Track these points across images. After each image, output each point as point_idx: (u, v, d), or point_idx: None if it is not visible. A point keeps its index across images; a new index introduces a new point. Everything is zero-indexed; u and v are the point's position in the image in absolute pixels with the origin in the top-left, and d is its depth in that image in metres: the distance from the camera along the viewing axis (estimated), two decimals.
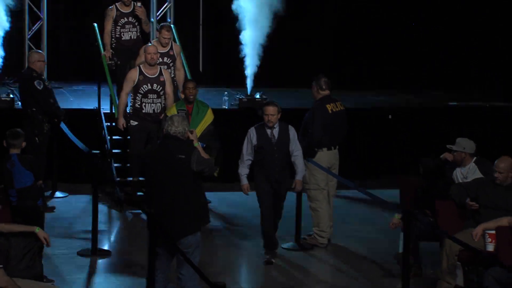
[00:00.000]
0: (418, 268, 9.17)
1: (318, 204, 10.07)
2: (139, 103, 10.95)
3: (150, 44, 11.39)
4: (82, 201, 11.42)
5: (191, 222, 7.58)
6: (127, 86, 10.97)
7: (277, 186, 9.45)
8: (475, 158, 9.24)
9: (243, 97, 12.84)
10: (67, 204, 11.44)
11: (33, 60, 11.03)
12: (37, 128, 10.86)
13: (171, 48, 11.49)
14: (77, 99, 13.36)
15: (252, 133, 9.47)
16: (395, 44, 15.69)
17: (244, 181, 9.46)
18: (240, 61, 13.14)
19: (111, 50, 11.97)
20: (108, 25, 11.85)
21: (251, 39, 12.83)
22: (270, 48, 13.21)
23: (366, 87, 15.04)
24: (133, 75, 10.92)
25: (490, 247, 8.41)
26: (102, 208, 10.90)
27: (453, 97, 14.14)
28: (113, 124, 11.75)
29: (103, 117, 12.07)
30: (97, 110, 12.18)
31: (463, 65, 15.42)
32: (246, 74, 13.12)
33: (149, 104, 10.93)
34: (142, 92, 10.91)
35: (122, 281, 8.81)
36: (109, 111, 12.11)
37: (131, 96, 11.03)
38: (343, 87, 13.33)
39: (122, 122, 11.02)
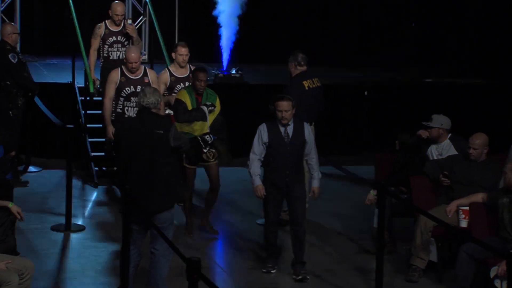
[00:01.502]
0: (392, 244, 9.28)
1: None
2: (121, 107, 9.95)
3: (130, 46, 10.64)
4: (56, 175, 11.40)
5: (167, 197, 7.58)
6: (110, 89, 9.96)
7: (288, 190, 8.54)
8: (450, 134, 9.33)
9: (219, 72, 12.86)
10: (40, 178, 11.43)
11: (7, 32, 10.92)
12: (11, 102, 10.76)
13: (191, 71, 10.08)
14: (51, 73, 13.30)
15: (263, 129, 8.57)
16: (372, 22, 15.77)
17: (258, 182, 8.51)
18: (216, 36, 13.14)
19: (97, 78, 11.20)
20: (95, 43, 10.97)
21: (227, 13, 12.81)
22: (247, 23, 13.23)
23: (343, 63, 15.09)
24: (115, 77, 9.95)
25: (464, 223, 8.54)
26: (76, 183, 10.91)
27: (428, 74, 14.24)
28: (87, 98, 11.71)
29: (77, 91, 12.00)
30: (72, 84, 12.11)
31: (438, 43, 15.49)
32: (222, 49, 13.12)
33: (132, 109, 9.86)
34: (125, 95, 9.92)
35: (96, 256, 8.82)
36: (83, 85, 11.99)
37: (113, 101, 10.06)
38: (321, 63, 13.35)
39: (111, 129, 9.87)
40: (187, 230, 9.52)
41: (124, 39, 11.03)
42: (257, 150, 8.52)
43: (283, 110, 8.43)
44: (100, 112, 10.95)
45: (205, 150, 9.28)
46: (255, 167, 8.51)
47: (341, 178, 11.63)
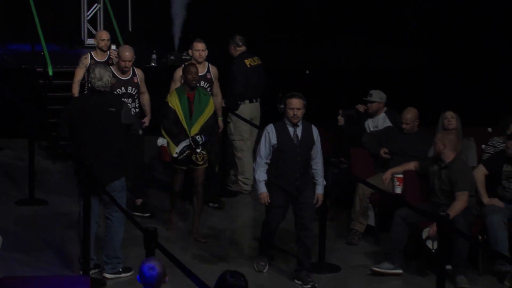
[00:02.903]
0: (334, 211, 9.67)
1: (243, 154, 10.51)
2: None
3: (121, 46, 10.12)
4: (19, 153, 11.51)
5: (118, 169, 8.02)
6: None
7: (297, 194, 8.00)
8: (385, 108, 9.89)
9: (171, 55, 12.98)
10: (2, 156, 11.57)
11: None
12: None
13: (208, 70, 9.84)
14: (12, 58, 13.28)
15: (270, 131, 7.97)
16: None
17: (263, 189, 7.95)
18: (169, 19, 13.30)
19: None
20: (80, 74, 10.23)
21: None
22: (198, 5, 13.42)
23: (285, 40, 15.01)
24: None
25: (398, 190, 8.91)
26: (38, 159, 10.97)
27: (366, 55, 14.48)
28: (47, 81, 11.93)
29: (38, 75, 12.09)
30: (32, 68, 12.24)
31: (378, 24, 15.66)
32: (174, 32, 13.34)
33: None
34: None
35: (59, 229, 9.10)
36: (43, 69, 12.10)
37: None
38: (265, 42, 13.62)
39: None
40: (168, 225, 9.25)
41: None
42: (264, 153, 7.95)
43: (295, 108, 7.89)
44: (59, 93, 11.19)
45: (198, 150, 8.85)
46: (261, 172, 7.95)
47: None
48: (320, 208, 8.44)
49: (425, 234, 8.22)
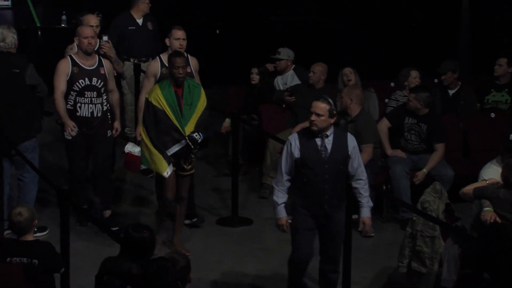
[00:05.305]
0: (246, 166, 9.91)
1: None
2: (72, 103, 8.12)
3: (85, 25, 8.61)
4: None
5: (27, 129, 8.02)
6: (60, 82, 8.08)
7: (325, 222, 6.53)
8: (293, 66, 10.13)
9: (81, 16, 13.10)
10: None
11: None
12: None
13: (188, 63, 8.28)
14: None
15: (293, 141, 6.47)
16: None
17: (282, 213, 6.54)
18: None
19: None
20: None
21: None
22: None
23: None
24: (65, 68, 8.10)
25: None
26: None
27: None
28: None
29: None
30: None
31: None
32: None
33: (86, 105, 8.13)
34: (78, 89, 8.11)
35: None
36: None
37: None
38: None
39: (70, 124, 8.07)
40: (177, 248, 7.61)
41: None
42: (286, 168, 6.50)
43: (314, 112, 6.44)
44: None
45: (195, 151, 7.60)
46: (280, 192, 6.54)
47: None
48: (232, 163, 8.62)
49: None
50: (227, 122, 9.74)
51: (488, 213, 6.62)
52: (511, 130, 7.44)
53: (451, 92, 9.73)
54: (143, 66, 10.33)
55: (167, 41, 8.34)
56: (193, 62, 8.45)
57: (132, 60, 10.56)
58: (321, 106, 6.42)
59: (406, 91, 9.40)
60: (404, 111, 8.91)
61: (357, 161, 6.52)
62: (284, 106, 9.75)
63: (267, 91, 10.09)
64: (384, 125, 8.97)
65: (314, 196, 6.46)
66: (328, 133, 6.45)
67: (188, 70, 8.15)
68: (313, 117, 6.39)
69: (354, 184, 6.57)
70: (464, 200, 7.07)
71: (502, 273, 6.37)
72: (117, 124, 8.39)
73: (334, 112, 6.46)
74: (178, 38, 8.28)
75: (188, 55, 8.37)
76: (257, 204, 9.21)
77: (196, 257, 7.51)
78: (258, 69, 10.19)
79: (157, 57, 8.42)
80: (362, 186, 6.56)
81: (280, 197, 6.54)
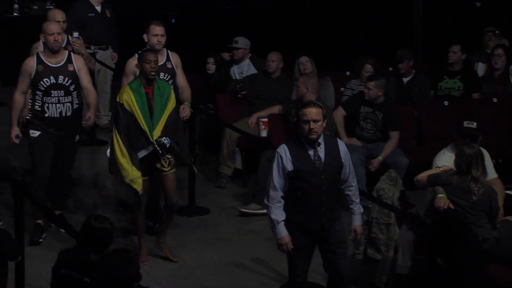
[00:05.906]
0: (203, 156, 9.93)
1: None
2: (39, 104, 7.67)
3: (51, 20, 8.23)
4: None
5: None
6: (22, 82, 7.66)
7: (322, 236, 6.11)
8: (250, 55, 10.18)
9: (34, 5, 12.80)
10: None
11: None
12: None
13: (168, 59, 8.01)
14: None
15: (284, 154, 6.05)
16: None
17: (283, 232, 6.01)
18: None
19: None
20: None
21: None
22: None
23: None
24: (30, 66, 7.63)
25: (264, 133, 9.23)
26: None
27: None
28: None
29: None
30: None
31: None
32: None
33: (54, 105, 7.66)
34: (43, 89, 7.64)
35: None
36: None
37: (30, 95, 7.78)
38: None
39: (15, 132, 7.69)
40: (141, 258, 7.22)
41: None
42: (280, 184, 6.03)
43: (311, 119, 5.98)
44: None
45: (161, 157, 7.29)
46: (277, 209, 6.03)
47: None
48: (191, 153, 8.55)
49: None
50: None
51: (442, 199, 6.70)
52: (464, 117, 7.50)
53: (405, 80, 9.81)
54: (98, 56, 10.29)
55: (145, 37, 7.87)
56: (174, 57, 8.02)
57: (92, 48, 10.47)
58: (316, 112, 6.00)
59: (361, 79, 9.46)
60: (359, 100, 8.97)
61: (349, 167, 6.17)
62: (239, 96, 9.74)
63: (223, 80, 10.10)
64: (339, 113, 9.03)
65: (310, 210, 6.03)
66: (320, 140, 6.05)
67: (169, 66, 7.92)
68: (312, 125, 5.95)
69: (346, 191, 6.21)
70: (419, 187, 7.14)
71: (455, 259, 6.47)
72: (90, 114, 7.84)
73: (324, 112, 6.14)
74: (156, 34, 7.80)
75: (169, 51, 8.02)
76: (214, 193, 9.25)
77: (153, 247, 7.62)
78: (214, 58, 10.21)
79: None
80: (354, 192, 6.22)
81: (279, 214, 6.01)
